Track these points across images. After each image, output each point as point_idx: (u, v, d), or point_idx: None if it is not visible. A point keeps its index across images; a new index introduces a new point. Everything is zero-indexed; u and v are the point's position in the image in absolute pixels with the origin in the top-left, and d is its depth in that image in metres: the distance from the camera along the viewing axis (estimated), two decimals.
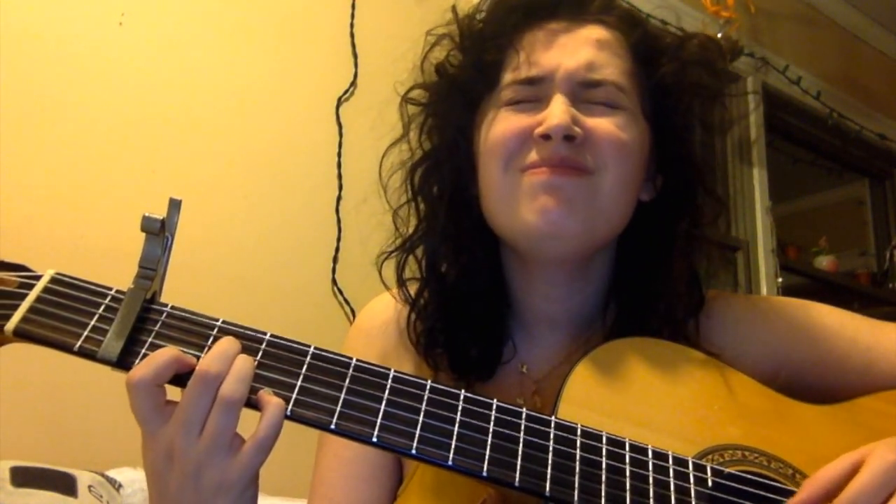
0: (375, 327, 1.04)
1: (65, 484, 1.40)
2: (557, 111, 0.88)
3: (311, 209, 2.21)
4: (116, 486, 1.50)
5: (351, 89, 2.31)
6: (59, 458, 1.50)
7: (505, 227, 0.93)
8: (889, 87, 4.05)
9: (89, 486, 1.43)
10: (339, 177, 2.24)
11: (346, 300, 2.17)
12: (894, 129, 4.00)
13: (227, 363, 0.74)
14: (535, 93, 0.92)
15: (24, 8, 1.85)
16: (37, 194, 1.79)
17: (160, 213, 0.79)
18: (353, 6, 2.36)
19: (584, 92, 0.92)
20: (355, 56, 2.33)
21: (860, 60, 4.02)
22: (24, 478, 1.37)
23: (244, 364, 0.74)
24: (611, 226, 0.93)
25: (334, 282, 2.18)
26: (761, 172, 3.41)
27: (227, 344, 0.75)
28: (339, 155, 2.26)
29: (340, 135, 2.27)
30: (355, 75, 2.32)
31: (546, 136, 0.88)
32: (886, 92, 4.03)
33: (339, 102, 2.29)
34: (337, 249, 2.20)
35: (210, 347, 0.76)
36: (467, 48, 0.98)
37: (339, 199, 2.23)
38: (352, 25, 2.35)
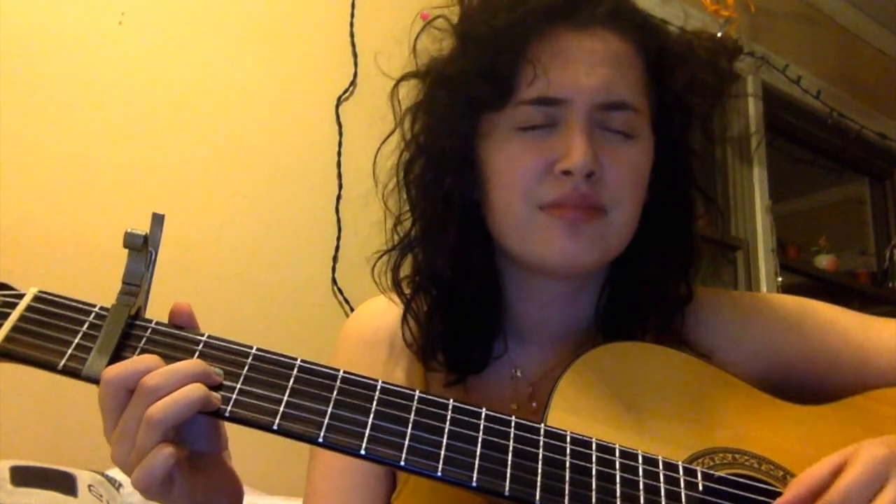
0: (366, 333, 1.04)
1: (65, 483, 1.41)
2: (580, 147, 0.87)
3: (311, 209, 2.21)
4: (116, 485, 1.51)
5: (351, 89, 2.31)
6: (59, 457, 1.50)
7: (517, 252, 0.93)
8: (889, 87, 4.04)
9: (89, 486, 1.44)
10: (339, 176, 2.25)
11: (345, 300, 2.18)
12: (894, 129, 4.00)
13: (174, 382, 0.72)
14: (551, 115, 0.90)
15: (23, 8, 1.86)
16: (37, 194, 1.80)
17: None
18: (353, 6, 2.36)
19: (601, 115, 0.90)
20: (355, 56, 2.33)
21: (860, 59, 4.02)
22: (24, 477, 1.37)
23: (189, 391, 0.72)
24: (621, 248, 0.94)
25: (334, 281, 2.18)
26: (761, 172, 3.41)
27: (189, 365, 0.74)
28: (339, 154, 2.26)
29: (340, 134, 2.27)
30: (355, 75, 2.32)
31: (567, 172, 0.87)
32: (886, 91, 4.02)
33: (339, 102, 2.29)
34: (337, 249, 2.20)
35: None
36: (473, 53, 0.93)
37: (339, 198, 2.23)
38: (352, 25, 2.36)
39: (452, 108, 0.94)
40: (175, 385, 0.72)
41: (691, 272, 1.00)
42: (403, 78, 0.99)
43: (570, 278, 0.95)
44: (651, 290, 0.97)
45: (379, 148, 1.01)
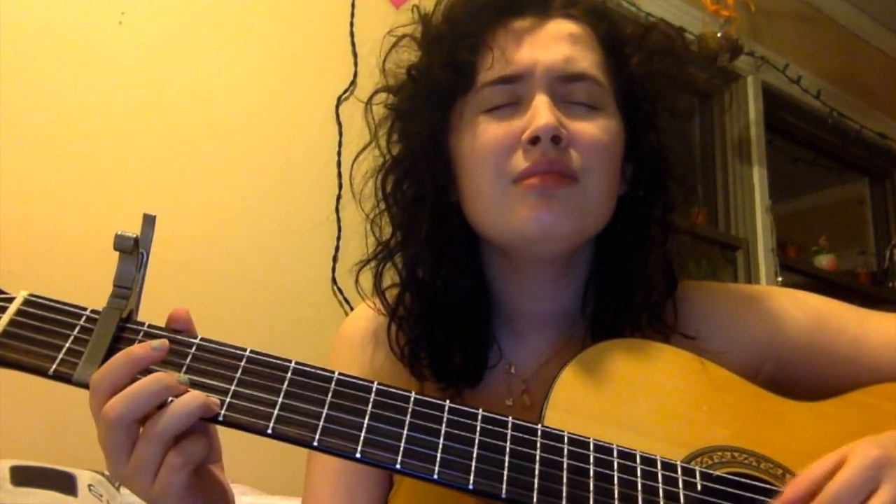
0: (359, 336, 1.04)
1: (65, 483, 1.41)
2: (543, 111, 0.88)
3: (311, 209, 2.21)
4: (117, 485, 1.51)
5: (351, 89, 2.31)
6: (59, 457, 1.50)
7: (495, 232, 0.93)
8: (889, 86, 4.04)
9: (89, 486, 1.44)
10: (339, 176, 2.24)
11: (345, 300, 2.17)
12: (894, 129, 3.99)
13: (162, 390, 0.71)
14: (514, 92, 0.92)
15: (23, 7, 1.86)
16: (37, 194, 1.80)
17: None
18: (353, 6, 2.36)
19: (563, 88, 0.92)
20: (355, 56, 2.33)
21: (860, 59, 4.02)
22: (24, 477, 1.37)
23: (187, 400, 0.71)
24: (599, 223, 0.94)
25: (334, 281, 2.18)
26: (761, 171, 3.41)
27: (148, 383, 0.72)
28: (339, 154, 2.26)
29: (340, 134, 2.27)
30: (355, 75, 2.32)
31: (534, 140, 0.88)
32: (886, 91, 4.02)
33: (339, 102, 2.29)
34: (337, 249, 2.20)
35: (188, 366, 0.75)
36: (436, 49, 0.97)
37: (339, 198, 2.23)
38: (352, 25, 2.36)
39: (422, 104, 0.97)
40: (171, 391, 0.72)
41: (675, 261, 1.00)
42: (376, 93, 1.01)
43: (551, 254, 0.94)
44: (637, 281, 0.97)
45: (355, 159, 1.02)
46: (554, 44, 0.93)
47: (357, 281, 1.00)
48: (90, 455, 1.52)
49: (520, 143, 0.90)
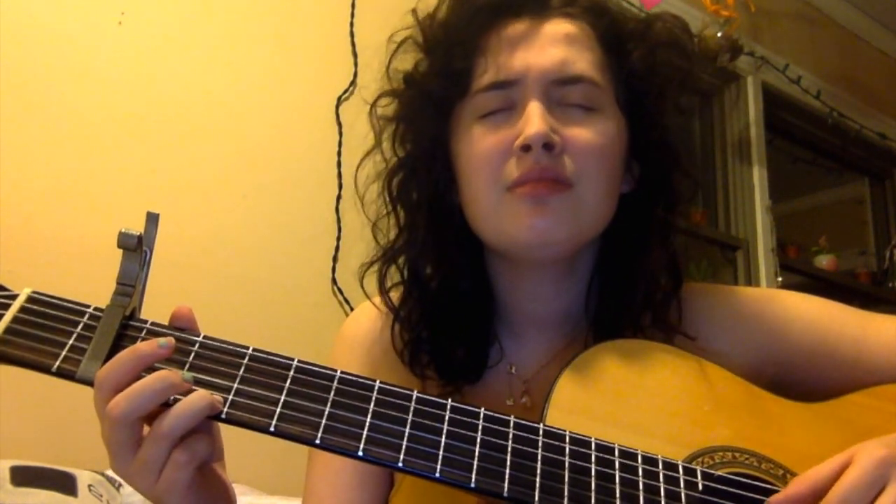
0: (360, 336, 1.04)
1: (64, 483, 1.41)
2: (535, 119, 0.88)
3: (311, 209, 2.21)
4: (116, 485, 1.51)
5: (351, 89, 2.31)
6: (59, 457, 1.50)
7: (493, 238, 0.93)
8: (889, 87, 4.05)
9: (89, 486, 1.44)
10: (339, 176, 2.25)
11: (345, 300, 2.18)
12: (894, 129, 4.00)
13: (167, 388, 0.72)
14: (508, 98, 0.91)
15: (23, 7, 1.86)
16: (37, 194, 1.80)
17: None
18: (353, 6, 2.36)
19: (558, 91, 0.91)
20: (355, 56, 2.33)
21: (860, 59, 4.02)
22: (24, 477, 1.37)
23: (194, 399, 0.72)
24: (597, 226, 0.94)
25: (334, 281, 2.18)
26: (761, 171, 3.42)
27: (152, 381, 0.72)
28: (339, 154, 2.26)
29: (340, 134, 2.27)
30: (355, 75, 2.32)
31: (526, 147, 0.88)
32: (886, 91, 4.03)
33: (339, 102, 2.29)
34: (337, 249, 2.20)
35: (191, 364, 0.76)
36: (432, 55, 0.97)
37: (339, 198, 2.23)
38: (352, 25, 2.36)
39: (422, 111, 0.97)
40: (176, 389, 0.72)
41: (679, 261, 1.00)
42: (380, 97, 1.01)
43: (550, 259, 0.94)
44: (639, 280, 0.96)
45: (360, 163, 1.02)
46: (549, 47, 0.92)
47: (362, 282, 1.00)
48: (90, 455, 1.52)
49: (513, 151, 0.89)
